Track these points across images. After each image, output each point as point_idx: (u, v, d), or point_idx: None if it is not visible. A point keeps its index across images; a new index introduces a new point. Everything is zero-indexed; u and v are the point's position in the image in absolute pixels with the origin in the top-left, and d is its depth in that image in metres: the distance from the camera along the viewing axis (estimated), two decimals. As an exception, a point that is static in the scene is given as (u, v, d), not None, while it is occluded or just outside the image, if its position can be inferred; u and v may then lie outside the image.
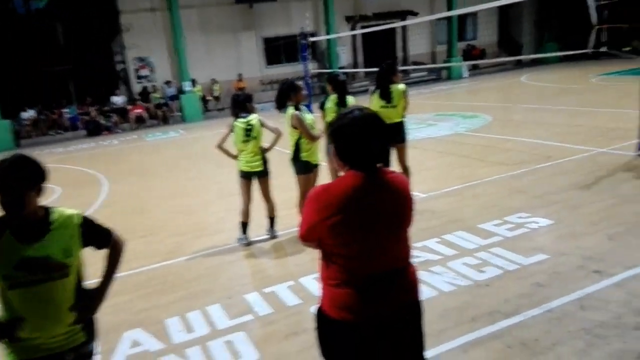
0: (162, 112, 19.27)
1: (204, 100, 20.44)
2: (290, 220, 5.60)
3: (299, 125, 4.95)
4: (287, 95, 5.06)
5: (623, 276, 3.66)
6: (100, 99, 18.92)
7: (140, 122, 18.63)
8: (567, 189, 5.86)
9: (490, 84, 19.87)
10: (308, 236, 1.95)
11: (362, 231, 1.86)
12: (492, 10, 25.91)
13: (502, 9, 26.63)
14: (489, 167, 7.29)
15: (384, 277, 1.89)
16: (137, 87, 20.27)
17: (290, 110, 5.01)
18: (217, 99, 21.01)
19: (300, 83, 5.26)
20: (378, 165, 1.92)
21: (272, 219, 5.41)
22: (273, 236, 5.41)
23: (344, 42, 23.67)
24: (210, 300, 4.13)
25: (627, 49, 7.12)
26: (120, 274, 2.37)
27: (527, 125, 10.26)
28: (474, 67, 25.01)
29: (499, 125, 10.56)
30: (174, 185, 8.69)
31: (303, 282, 4.23)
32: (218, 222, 6.27)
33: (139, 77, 20.35)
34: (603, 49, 6.96)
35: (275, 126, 5.18)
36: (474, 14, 26.08)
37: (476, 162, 7.73)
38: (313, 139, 5.03)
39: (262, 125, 5.15)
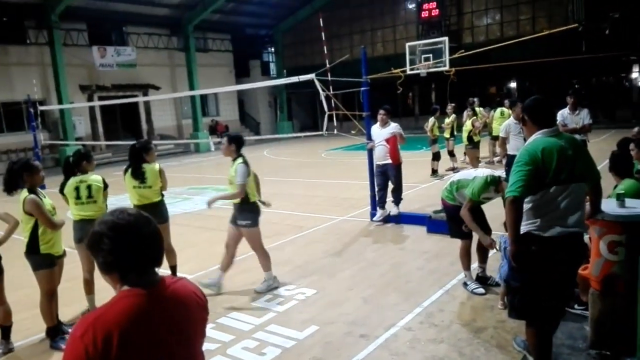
0: None
1: None
2: (30, 326, 4.64)
3: (35, 211, 4.19)
4: (19, 176, 4.26)
5: (385, 337, 4.06)
6: None
7: None
8: (322, 257, 6.37)
9: (236, 158, 20.87)
10: None
11: None
12: (230, 91, 27.79)
13: (239, 91, 28.86)
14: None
15: None
16: None
17: (24, 194, 4.22)
18: None
19: (37, 163, 4.50)
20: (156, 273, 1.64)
21: (6, 328, 4.31)
22: (8, 350, 4.30)
23: (80, 112, 21.90)
24: None
25: (354, 132, 8.38)
26: None
27: (276, 197, 10.91)
28: (220, 142, 26.04)
29: (252, 198, 11.01)
30: None
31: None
32: None
33: None
34: (336, 132, 8.01)
35: (6, 212, 4.29)
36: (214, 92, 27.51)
37: (236, 237, 7.80)
38: (55, 227, 4.30)
39: (-11, 213, 4.21)
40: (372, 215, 7.93)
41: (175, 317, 1.62)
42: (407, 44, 16.16)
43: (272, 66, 32.26)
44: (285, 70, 29.51)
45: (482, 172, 4.67)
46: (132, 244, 1.57)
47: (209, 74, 26.17)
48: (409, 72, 12.89)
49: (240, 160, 5.15)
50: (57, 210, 4.45)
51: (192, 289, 1.75)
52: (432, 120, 12.18)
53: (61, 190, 4.92)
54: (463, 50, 7.69)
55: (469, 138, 11.71)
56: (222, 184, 13.21)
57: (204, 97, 27.11)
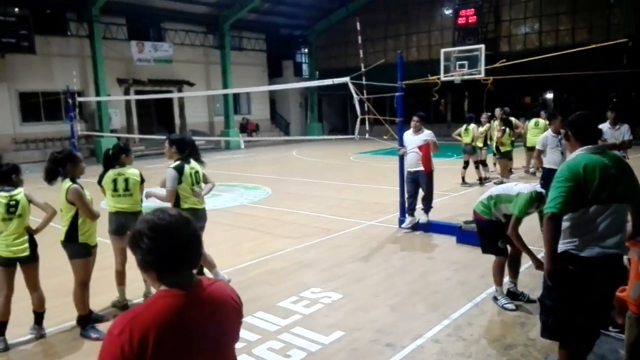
0: None
1: None
2: (64, 312, 4.75)
3: (77, 201, 4.30)
4: (62, 166, 4.38)
5: (411, 347, 4.01)
6: None
7: None
8: (348, 261, 6.35)
9: (266, 157, 21.04)
10: None
11: None
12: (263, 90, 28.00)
13: (272, 90, 29.04)
14: (276, 241, 7.48)
15: None
16: None
17: (67, 183, 4.34)
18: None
19: (79, 154, 4.62)
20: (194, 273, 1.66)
21: (39, 315, 4.44)
22: (40, 335, 4.43)
23: (116, 105, 22.37)
24: None
25: (386, 137, 8.31)
26: None
27: (304, 198, 11.02)
28: (250, 140, 26.27)
29: (280, 198, 11.09)
30: None
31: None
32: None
33: None
34: (367, 137, 7.97)
35: (46, 202, 4.41)
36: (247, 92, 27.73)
37: (264, 236, 7.86)
38: (94, 217, 4.40)
39: (30, 201, 4.33)
40: (401, 222, 7.86)
41: (211, 320, 1.63)
42: (442, 50, 15.96)
43: (305, 67, 32.36)
44: (317, 72, 29.57)
45: (525, 187, 4.49)
46: (170, 245, 1.58)
47: (242, 72, 26.43)
48: (443, 78, 12.77)
49: (174, 164, 5.01)
50: (93, 201, 4.55)
51: (228, 292, 1.76)
52: (473, 127, 11.91)
53: (99, 182, 5.05)
54: (505, 60, 7.53)
55: (497, 148, 11.64)
56: (250, 182, 13.35)
57: (236, 96, 27.35)
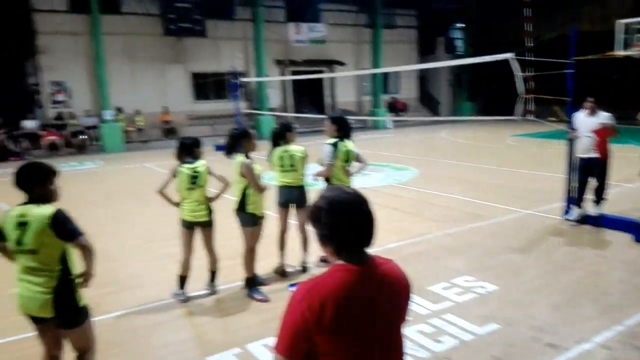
0: (80, 140, 18.16)
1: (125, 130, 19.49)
2: (232, 273, 5.26)
3: (248, 175, 4.70)
4: (238, 141, 4.83)
5: (577, 351, 3.69)
6: (9, 123, 17.27)
7: (53, 149, 17.40)
8: (502, 251, 6.00)
9: (413, 137, 20.73)
10: (293, 350, 1.58)
11: (360, 336, 1.62)
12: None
13: (421, 69, 28.28)
14: (423, 223, 7.38)
15: None
16: (51, 113, 18.96)
17: (240, 158, 4.76)
18: (139, 130, 20.08)
19: (253, 132, 5.03)
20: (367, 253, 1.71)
21: (213, 273, 5.01)
22: (213, 291, 5.00)
23: (273, 84, 23.79)
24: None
25: (553, 119, 7.59)
26: None
27: (453, 181, 10.65)
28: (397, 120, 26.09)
29: (427, 180, 10.87)
30: (89, 226, 7.80)
31: (251, 350, 3.87)
32: (146, 273, 5.70)
33: (55, 102, 19.09)
34: (530, 117, 7.36)
35: (222, 175, 4.89)
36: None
37: (410, 217, 7.81)
38: (261, 190, 4.78)
39: (209, 172, 4.84)
40: (566, 212, 7.19)
41: (383, 296, 1.68)
42: (617, 22, 14.07)
43: (458, 43, 30.86)
44: (471, 47, 28.08)
45: None
46: (347, 221, 1.66)
47: (392, 50, 26.19)
48: (622, 53, 11.26)
49: (330, 141, 5.30)
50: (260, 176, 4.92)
51: (399, 272, 1.79)
52: None
53: (269, 159, 5.50)
54: None
55: None
56: (398, 162, 13.29)
57: (385, 75, 27.25)
